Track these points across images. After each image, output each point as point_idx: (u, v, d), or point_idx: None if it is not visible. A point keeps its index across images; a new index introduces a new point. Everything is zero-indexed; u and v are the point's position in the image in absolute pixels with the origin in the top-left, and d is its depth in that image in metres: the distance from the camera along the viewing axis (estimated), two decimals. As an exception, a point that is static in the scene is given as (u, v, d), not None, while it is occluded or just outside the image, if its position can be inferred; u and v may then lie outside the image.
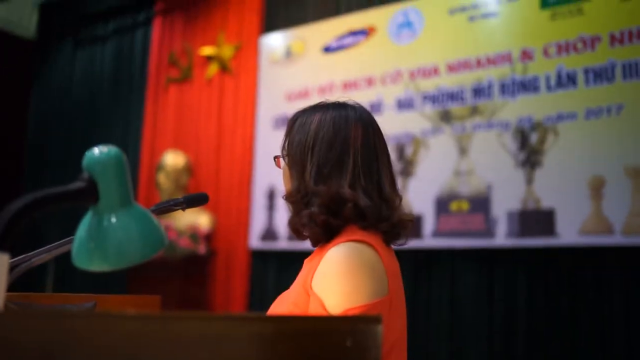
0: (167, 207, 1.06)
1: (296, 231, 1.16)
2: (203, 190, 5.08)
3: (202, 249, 4.69)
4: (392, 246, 1.16)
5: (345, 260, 1.01)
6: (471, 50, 4.06)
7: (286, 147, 1.20)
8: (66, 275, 5.31)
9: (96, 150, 0.74)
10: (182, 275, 4.71)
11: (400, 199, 1.19)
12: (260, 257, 4.78)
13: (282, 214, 4.61)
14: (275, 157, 1.25)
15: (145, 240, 0.74)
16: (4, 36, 6.68)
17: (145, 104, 5.72)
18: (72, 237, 0.87)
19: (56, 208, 0.69)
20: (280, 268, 4.64)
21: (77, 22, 6.43)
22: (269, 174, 4.71)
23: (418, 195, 4.05)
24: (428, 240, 3.98)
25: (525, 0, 3.92)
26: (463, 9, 4.13)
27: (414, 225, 1.17)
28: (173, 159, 4.94)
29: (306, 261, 1.17)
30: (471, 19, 4.09)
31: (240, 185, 4.94)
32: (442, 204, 3.97)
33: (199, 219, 4.73)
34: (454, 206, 3.94)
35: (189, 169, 5.05)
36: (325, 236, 1.10)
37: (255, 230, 4.76)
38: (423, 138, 4.13)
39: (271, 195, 4.71)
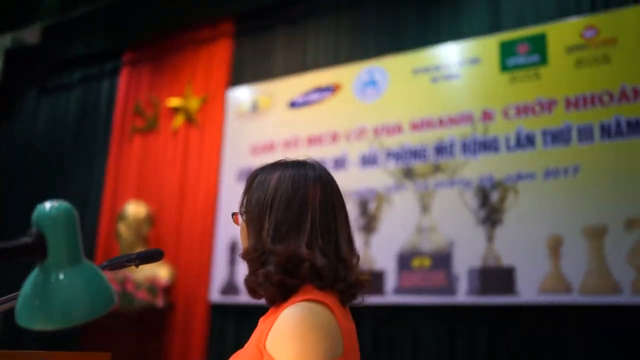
0: (119, 263, 1.04)
1: (252, 290, 1.14)
2: (164, 241, 5.01)
3: (160, 301, 4.58)
4: (352, 304, 1.16)
5: (300, 320, 1.00)
6: (434, 109, 4.16)
7: (244, 205, 1.20)
8: (18, 328, 5.11)
9: (47, 205, 0.72)
10: (139, 328, 4.59)
11: (358, 259, 1.18)
12: (220, 311, 4.69)
13: (244, 268, 4.51)
14: (234, 214, 1.24)
15: (92, 299, 0.72)
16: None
17: (108, 153, 5.67)
18: (17, 292, 0.84)
19: (1, 263, 0.67)
20: (240, 322, 4.55)
21: (43, 70, 6.41)
22: (232, 227, 4.60)
23: (380, 251, 4.06)
24: (390, 296, 3.97)
25: (486, 63, 4.05)
26: (426, 70, 4.25)
27: (371, 285, 1.17)
28: (134, 209, 4.88)
29: (261, 320, 1.16)
30: (434, 79, 4.21)
31: (202, 238, 4.88)
32: (404, 260, 3.98)
33: (159, 271, 4.64)
34: (415, 262, 3.95)
35: (151, 220, 4.98)
36: (281, 295, 1.09)
37: (216, 283, 4.69)
38: (386, 194, 4.17)
39: (233, 249, 4.66)
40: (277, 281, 1.07)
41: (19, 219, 5.98)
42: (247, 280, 1.14)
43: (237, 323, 4.58)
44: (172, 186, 5.19)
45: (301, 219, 1.11)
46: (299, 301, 1.04)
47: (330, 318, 1.03)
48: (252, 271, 1.14)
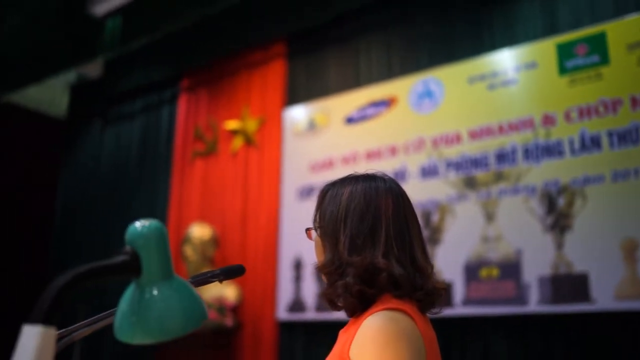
0: (204, 279, 1.07)
1: (331, 302, 1.15)
2: (229, 261, 5.09)
3: (229, 321, 4.64)
4: (429, 314, 1.16)
5: (383, 329, 1.01)
6: (492, 116, 4.10)
7: (318, 220, 1.21)
8: (93, 347, 5.31)
9: (138, 224, 0.75)
10: (210, 348, 4.66)
11: (432, 267, 1.19)
12: (287, 329, 4.72)
13: (309, 285, 4.57)
14: (307, 230, 1.26)
15: (186, 313, 0.74)
16: (37, 116, 6.94)
17: (171, 177, 5.83)
18: (112, 310, 0.88)
19: (100, 282, 0.70)
20: (308, 339, 4.57)
21: (105, 101, 6.66)
22: (295, 245, 4.70)
23: (446, 262, 4.00)
24: (459, 308, 3.90)
25: (544, 67, 3.98)
26: (482, 78, 4.20)
27: (447, 293, 1.17)
28: (199, 231, 4.98)
29: (341, 332, 1.16)
30: (491, 86, 4.16)
31: (266, 257, 4.93)
32: (472, 271, 3.92)
33: (226, 291, 4.71)
34: (483, 273, 3.88)
35: (216, 241, 5.07)
36: (360, 306, 1.10)
37: (283, 301, 4.72)
38: (449, 205, 4.12)
39: (298, 266, 4.69)
40: (356, 292, 1.08)
41: (87, 244, 6.21)
42: (326, 293, 1.16)
43: (304, 340, 4.60)
44: (234, 207, 5.28)
45: (375, 230, 1.12)
46: (380, 310, 1.04)
47: (411, 326, 1.03)
48: (330, 283, 1.15)
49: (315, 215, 1.23)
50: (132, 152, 6.30)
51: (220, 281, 1.09)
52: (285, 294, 4.72)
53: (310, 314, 4.52)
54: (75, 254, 6.29)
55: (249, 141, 5.37)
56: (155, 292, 0.74)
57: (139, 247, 0.73)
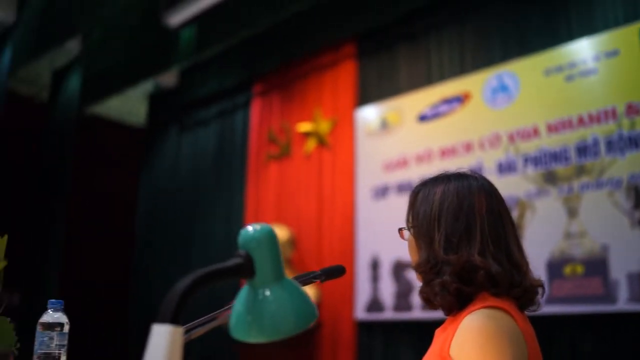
0: (306, 280, 1.10)
1: (427, 301, 1.17)
2: (306, 262, 5.15)
3: (308, 321, 4.70)
4: (528, 311, 1.15)
5: (483, 328, 1.01)
6: (571, 109, 3.98)
7: (411, 220, 1.23)
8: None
9: (250, 228, 0.79)
10: (290, 347, 4.73)
11: (528, 264, 1.18)
12: (366, 328, 4.74)
13: (387, 284, 4.57)
14: (400, 229, 1.28)
15: (298, 312, 0.78)
16: (118, 126, 7.25)
17: (246, 180, 5.96)
18: (224, 308, 0.93)
19: (219, 283, 0.74)
20: (386, 339, 4.56)
21: (181, 109, 6.89)
22: (371, 245, 4.71)
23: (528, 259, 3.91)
24: (542, 306, 3.80)
25: (626, 54, 3.82)
26: (559, 69, 4.08)
27: (544, 291, 1.16)
28: (278, 233, 5.02)
29: (438, 331, 1.17)
30: (568, 78, 4.03)
31: (342, 257, 4.96)
32: (555, 268, 3.82)
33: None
34: (567, 270, 3.77)
35: (293, 242, 5.15)
36: (458, 304, 1.11)
37: (361, 301, 4.74)
38: (528, 201, 4.03)
39: (375, 266, 4.70)
40: (454, 290, 1.09)
41: (168, 248, 6.43)
42: (422, 292, 1.17)
43: (383, 339, 4.60)
44: (309, 208, 5.35)
45: (470, 228, 1.13)
46: (478, 309, 1.05)
47: (511, 323, 1.03)
48: (427, 282, 1.16)
49: (408, 216, 1.24)
50: (208, 157, 6.48)
51: (322, 281, 1.12)
52: (363, 293, 4.74)
53: (389, 314, 4.52)
54: (156, 258, 6.53)
55: (322, 143, 5.42)
56: (267, 293, 0.77)
57: (252, 250, 0.77)
